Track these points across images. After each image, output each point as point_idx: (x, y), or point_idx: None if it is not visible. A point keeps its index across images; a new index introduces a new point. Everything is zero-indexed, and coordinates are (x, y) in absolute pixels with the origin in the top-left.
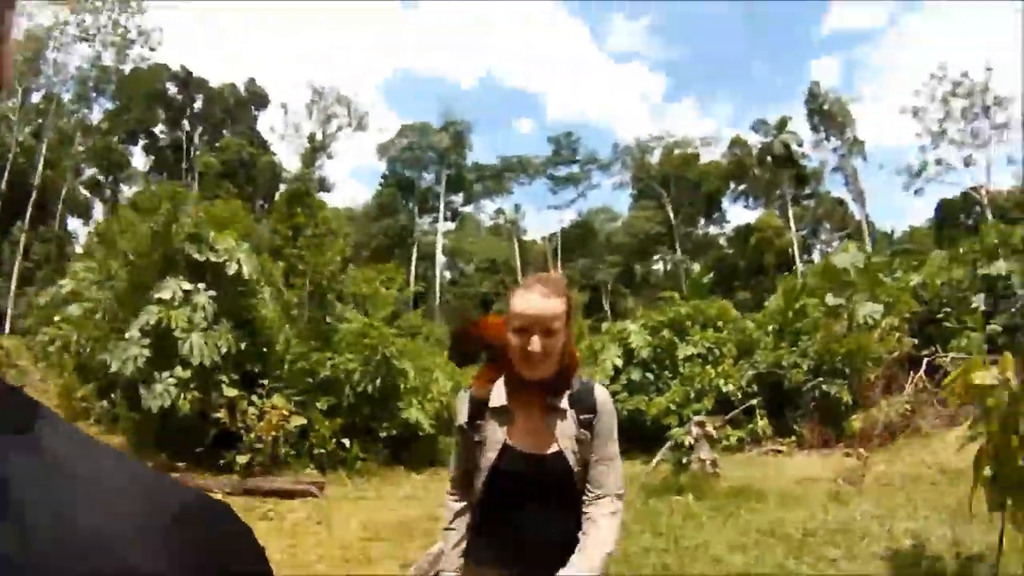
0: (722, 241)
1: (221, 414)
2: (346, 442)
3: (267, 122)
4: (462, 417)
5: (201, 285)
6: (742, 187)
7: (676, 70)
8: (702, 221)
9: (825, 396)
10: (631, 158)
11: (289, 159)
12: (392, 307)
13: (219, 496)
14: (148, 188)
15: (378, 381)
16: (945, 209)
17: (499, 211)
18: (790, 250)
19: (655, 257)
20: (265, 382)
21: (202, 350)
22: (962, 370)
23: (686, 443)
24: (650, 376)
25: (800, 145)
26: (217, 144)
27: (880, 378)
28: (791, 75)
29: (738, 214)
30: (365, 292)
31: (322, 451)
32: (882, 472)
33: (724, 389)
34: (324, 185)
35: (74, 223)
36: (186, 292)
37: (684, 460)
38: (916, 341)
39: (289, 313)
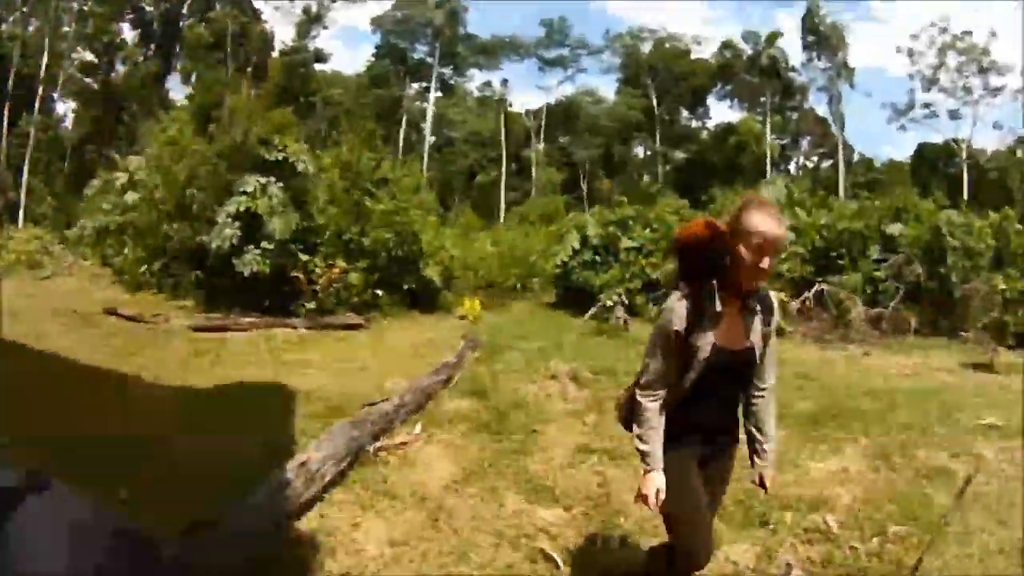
0: (703, 136)
1: (299, 273)
2: (379, 292)
3: None
4: (679, 323)
5: (272, 178)
6: (728, 88)
7: None
8: (685, 113)
9: None
10: (621, 46)
11: (282, 29)
12: (415, 192)
13: (302, 331)
14: (201, 92)
15: (404, 247)
16: (925, 151)
17: (487, 83)
18: (766, 157)
19: (635, 143)
20: (323, 250)
21: (281, 228)
22: None
23: (608, 305)
24: (598, 259)
25: (786, 63)
26: (209, 14)
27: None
28: None
29: (722, 113)
30: (391, 178)
31: (361, 299)
32: None
33: (652, 275)
34: (320, 56)
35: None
36: (262, 185)
37: (606, 317)
38: (812, 268)
39: (336, 196)
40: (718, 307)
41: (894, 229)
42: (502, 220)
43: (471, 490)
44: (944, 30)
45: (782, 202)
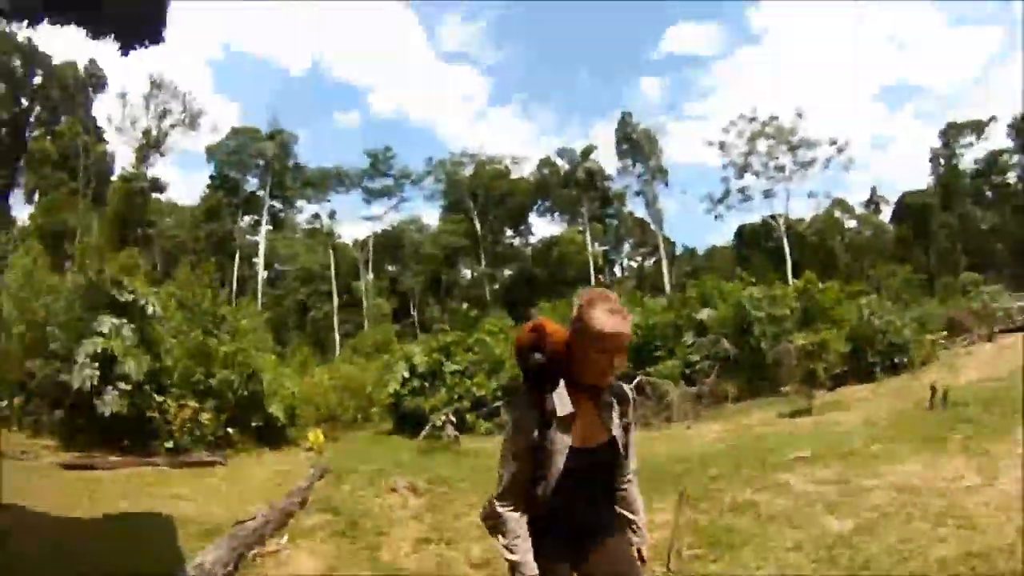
0: (528, 252)
1: (154, 414)
2: (230, 430)
3: (103, 108)
4: (530, 432)
5: (124, 320)
6: (548, 203)
7: (503, 74)
8: (509, 232)
9: None
10: (444, 172)
11: (121, 150)
12: (253, 332)
13: (164, 468)
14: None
15: (248, 386)
16: (745, 233)
17: (316, 216)
18: (589, 265)
19: (462, 266)
20: (174, 390)
21: (135, 370)
22: None
23: (437, 425)
24: (426, 384)
25: (602, 173)
26: (55, 128)
27: None
28: (618, 89)
29: (544, 228)
30: (230, 320)
31: (215, 436)
32: None
33: (478, 394)
34: (157, 186)
35: None
36: (116, 326)
37: (438, 435)
38: (630, 365)
39: (181, 338)
40: (569, 408)
41: (703, 314)
42: (338, 352)
43: None
44: (752, 119)
45: None
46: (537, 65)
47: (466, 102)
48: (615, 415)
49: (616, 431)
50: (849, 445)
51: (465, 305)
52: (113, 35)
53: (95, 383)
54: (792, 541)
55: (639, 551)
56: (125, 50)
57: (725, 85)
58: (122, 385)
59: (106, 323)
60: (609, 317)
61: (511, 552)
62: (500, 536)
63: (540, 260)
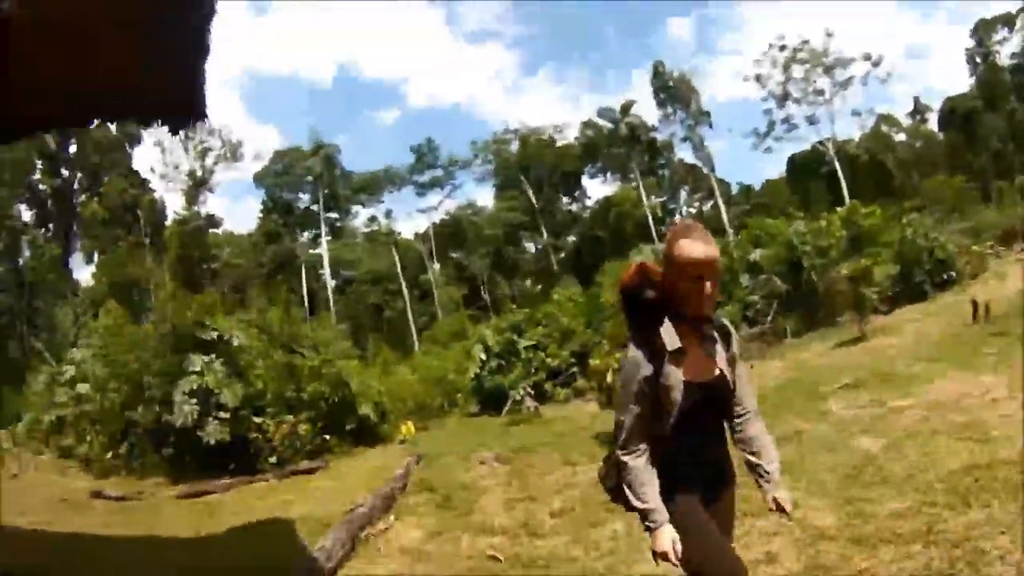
0: (586, 216)
1: (255, 434)
2: (327, 436)
3: (144, 160)
4: (646, 369)
5: (212, 355)
6: (598, 165)
7: (530, 45)
8: (565, 200)
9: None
10: (490, 152)
11: (170, 196)
12: (334, 343)
13: (273, 481)
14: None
15: (338, 394)
16: (796, 162)
17: (372, 218)
18: (649, 219)
19: (524, 243)
20: (270, 410)
21: (231, 398)
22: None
23: (517, 399)
24: (503, 362)
25: (643, 127)
26: (100, 190)
27: None
28: (645, 35)
29: (598, 189)
30: (316, 337)
31: (313, 445)
32: None
33: (552, 364)
34: (212, 221)
35: None
36: (207, 362)
37: (518, 409)
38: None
39: (268, 361)
40: (678, 343)
41: (755, 255)
42: (416, 346)
43: (437, 541)
44: (783, 47)
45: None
46: (562, 29)
47: (498, 79)
48: (720, 349)
49: (723, 365)
50: (891, 368)
51: (529, 281)
52: (160, 121)
53: (195, 417)
54: (827, 464)
55: (776, 501)
56: (175, 132)
57: (753, 15)
58: (221, 414)
59: (197, 362)
60: (695, 243)
61: (640, 500)
62: (627, 488)
63: (600, 222)
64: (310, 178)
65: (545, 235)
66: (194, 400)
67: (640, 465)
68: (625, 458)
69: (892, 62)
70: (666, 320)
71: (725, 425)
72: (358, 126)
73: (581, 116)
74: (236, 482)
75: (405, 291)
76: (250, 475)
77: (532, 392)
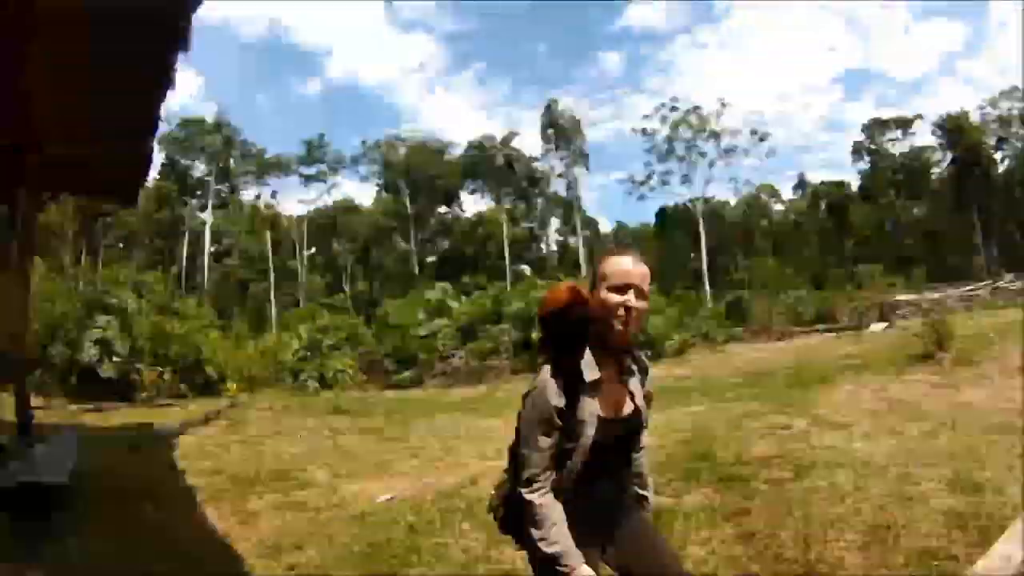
0: (456, 230)
1: (135, 376)
2: (182, 385)
3: None
4: (557, 400)
5: (112, 316)
6: (478, 183)
7: (460, 44)
8: (441, 210)
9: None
10: (378, 153)
11: None
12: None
13: (144, 409)
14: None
15: (194, 357)
16: (666, 214)
17: (258, 196)
18: (506, 245)
19: (392, 245)
20: (146, 360)
21: (122, 348)
22: None
23: (304, 381)
24: (308, 353)
25: (521, 160)
26: None
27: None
28: (575, 62)
29: (474, 205)
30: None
31: (169, 389)
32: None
33: (339, 367)
34: None
35: None
36: (107, 321)
37: (304, 387)
38: (462, 342)
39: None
40: (596, 373)
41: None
42: (274, 326)
43: (223, 433)
44: (674, 108)
45: (439, 297)
46: (496, 36)
47: (421, 71)
48: (638, 384)
49: (639, 400)
50: None
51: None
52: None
53: (97, 358)
54: None
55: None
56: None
57: (683, 61)
58: (114, 359)
59: (101, 320)
60: (625, 257)
61: (551, 543)
62: (535, 529)
63: (468, 237)
64: (208, 152)
65: (413, 242)
66: (97, 346)
67: (548, 503)
68: (531, 496)
69: (809, 131)
70: (587, 351)
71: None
72: (277, 88)
73: (492, 124)
74: (119, 406)
75: (272, 273)
76: (128, 403)
77: (315, 376)
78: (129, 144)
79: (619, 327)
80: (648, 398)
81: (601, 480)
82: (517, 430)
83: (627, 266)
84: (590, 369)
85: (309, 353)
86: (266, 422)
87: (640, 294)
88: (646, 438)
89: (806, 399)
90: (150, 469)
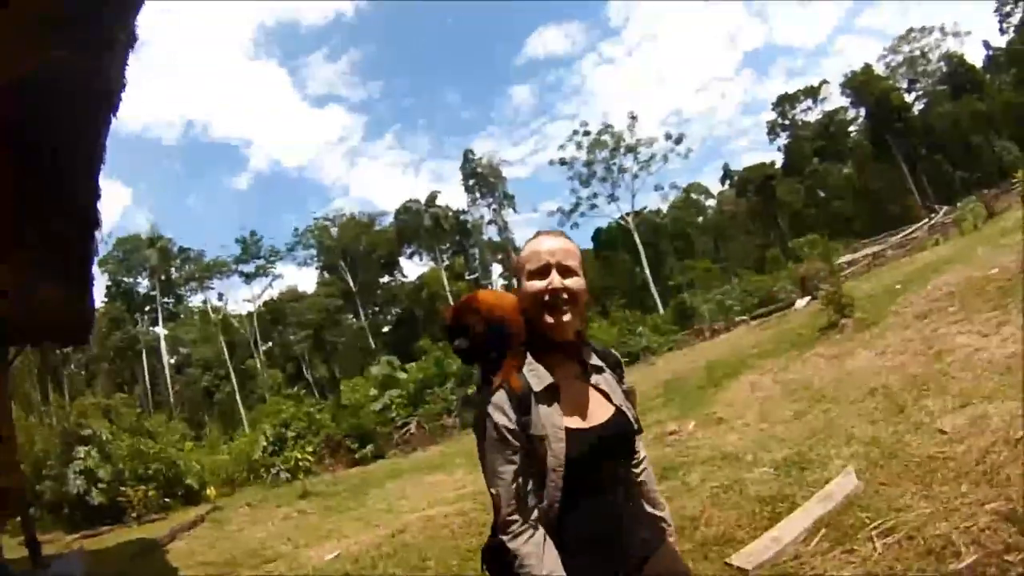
0: (402, 296)
1: (121, 498)
2: (167, 499)
3: None
4: (506, 418)
5: (90, 446)
6: (413, 247)
7: (373, 108)
8: (384, 280)
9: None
10: (312, 237)
11: None
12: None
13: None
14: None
15: (171, 471)
16: (601, 236)
17: (204, 301)
18: (449, 299)
19: (343, 323)
20: (130, 482)
21: (105, 475)
22: None
23: (277, 472)
24: (276, 447)
25: (447, 216)
26: None
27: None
28: (486, 102)
29: (415, 269)
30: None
31: (156, 504)
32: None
33: (302, 455)
34: None
35: None
36: (87, 451)
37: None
38: (413, 408)
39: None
40: (545, 380)
41: None
42: (245, 426)
43: (209, 540)
44: (587, 132)
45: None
46: (406, 93)
47: (341, 143)
48: (613, 380)
49: (619, 399)
50: None
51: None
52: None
53: (84, 488)
54: None
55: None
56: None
57: (593, 80)
58: (100, 485)
59: (81, 451)
60: (542, 238)
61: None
62: (521, 569)
63: (415, 301)
64: (147, 269)
65: (363, 316)
66: (81, 476)
67: (532, 545)
68: (512, 543)
69: (731, 119)
70: (529, 358)
71: (628, 476)
72: (203, 188)
73: (421, 182)
74: (112, 528)
75: (233, 376)
76: (120, 524)
77: (286, 467)
78: (70, 299)
79: (550, 318)
80: (630, 396)
81: (593, 504)
82: (484, 471)
83: (541, 245)
84: (538, 378)
85: (276, 447)
86: (244, 517)
87: (565, 271)
88: (642, 446)
89: (706, 400)
90: (149, 570)
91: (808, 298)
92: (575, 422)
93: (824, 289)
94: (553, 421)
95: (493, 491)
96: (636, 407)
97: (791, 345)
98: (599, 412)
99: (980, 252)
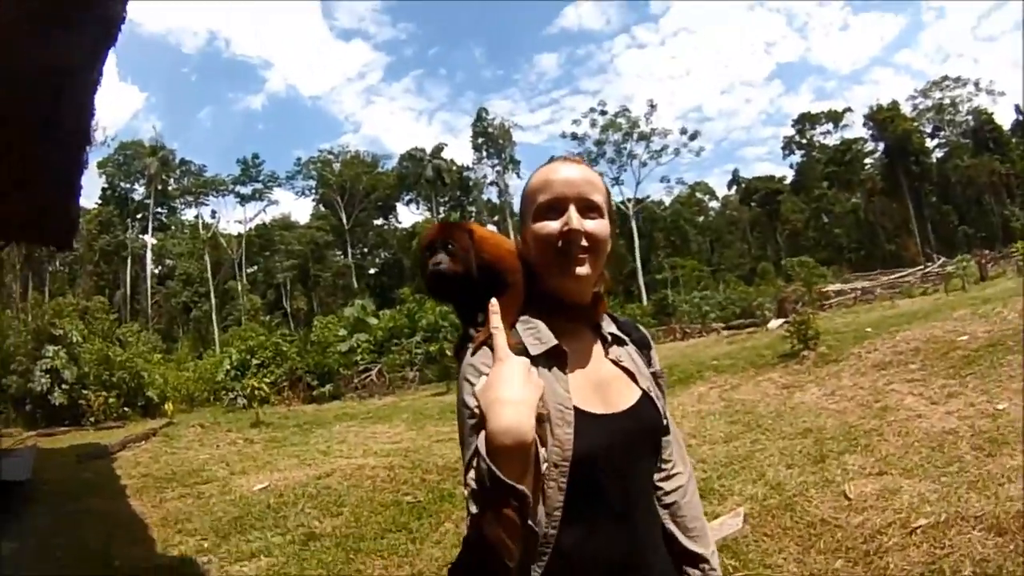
0: (394, 241)
1: (83, 401)
2: (126, 408)
3: None
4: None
5: (60, 347)
6: (412, 194)
7: (398, 50)
8: (378, 222)
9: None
10: (313, 169)
11: None
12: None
13: (92, 432)
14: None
15: (135, 381)
16: None
17: (197, 216)
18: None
19: (329, 259)
20: (92, 387)
21: (70, 376)
22: None
23: (233, 397)
24: (239, 372)
25: (450, 171)
26: None
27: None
28: (512, 65)
29: (411, 216)
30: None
31: (116, 413)
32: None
33: (266, 380)
34: None
35: None
36: (55, 351)
37: (235, 403)
38: (378, 356)
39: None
40: (548, 341)
41: None
42: (217, 346)
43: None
44: (603, 112)
45: (356, 315)
46: (433, 43)
47: (360, 79)
48: (637, 357)
49: (645, 382)
50: None
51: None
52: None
53: (48, 387)
54: None
55: None
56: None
57: (621, 61)
58: (63, 386)
59: (50, 351)
60: (556, 165)
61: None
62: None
63: (405, 248)
64: (145, 176)
65: (350, 256)
66: (47, 375)
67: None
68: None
69: (749, 125)
70: (524, 317)
71: (654, 488)
72: (217, 102)
73: (432, 131)
74: (69, 430)
75: (213, 295)
76: (78, 427)
77: (244, 394)
78: (57, 198)
79: (563, 269)
80: (659, 381)
81: (605, 522)
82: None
83: (556, 173)
84: (535, 335)
85: (239, 372)
86: (194, 437)
87: (587, 210)
88: (681, 453)
89: None
90: (93, 475)
91: (782, 320)
92: (588, 403)
93: (796, 316)
94: (558, 397)
95: (465, 490)
96: (665, 396)
97: (750, 364)
98: (621, 396)
99: (957, 315)
